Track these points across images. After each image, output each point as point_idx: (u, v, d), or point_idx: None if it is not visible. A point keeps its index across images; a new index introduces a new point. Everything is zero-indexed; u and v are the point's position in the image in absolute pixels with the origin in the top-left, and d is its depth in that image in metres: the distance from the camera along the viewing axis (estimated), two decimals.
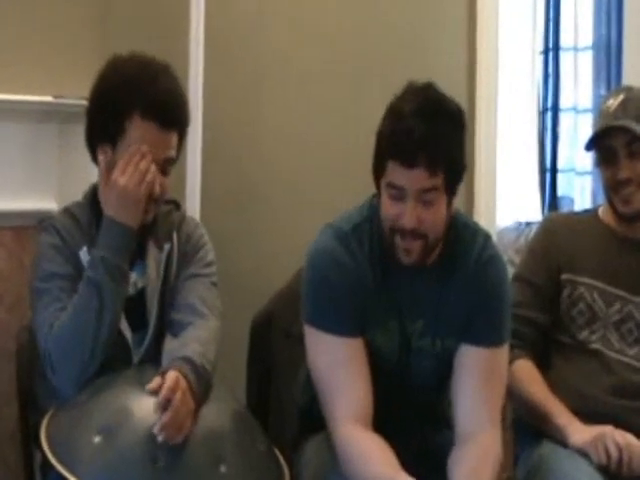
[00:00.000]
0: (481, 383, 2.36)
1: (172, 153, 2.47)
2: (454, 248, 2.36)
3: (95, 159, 2.47)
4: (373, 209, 2.31)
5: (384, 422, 2.32)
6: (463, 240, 2.37)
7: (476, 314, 2.36)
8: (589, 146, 2.78)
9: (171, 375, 2.22)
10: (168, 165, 2.45)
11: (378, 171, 2.22)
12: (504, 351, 2.40)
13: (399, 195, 2.16)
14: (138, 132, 2.43)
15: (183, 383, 2.22)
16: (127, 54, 2.49)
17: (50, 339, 2.35)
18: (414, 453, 2.37)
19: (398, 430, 2.35)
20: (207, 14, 3.23)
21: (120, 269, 2.36)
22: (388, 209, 2.21)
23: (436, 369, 2.38)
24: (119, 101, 2.43)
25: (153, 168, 2.37)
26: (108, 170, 2.40)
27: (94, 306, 2.31)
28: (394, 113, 2.21)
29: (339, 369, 2.31)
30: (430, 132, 2.15)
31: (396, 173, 2.16)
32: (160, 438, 2.21)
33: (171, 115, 2.46)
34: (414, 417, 2.44)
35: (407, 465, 2.28)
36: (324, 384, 2.36)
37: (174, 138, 2.46)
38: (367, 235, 2.33)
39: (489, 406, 2.37)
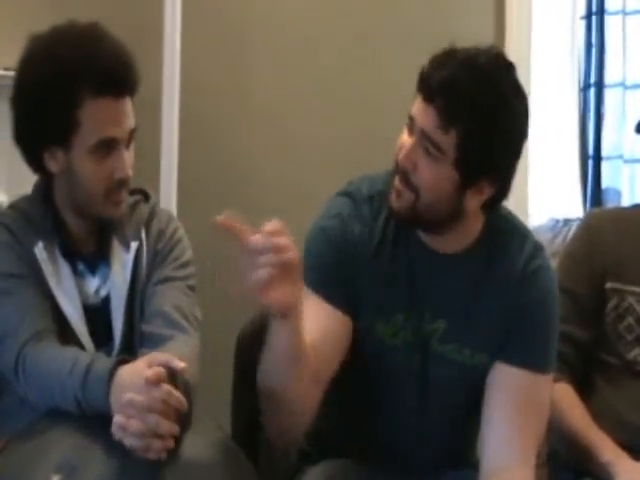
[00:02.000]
0: (516, 411, 2.15)
1: (133, 121, 2.30)
2: (495, 250, 2.21)
3: (40, 169, 2.30)
4: None
5: (388, 455, 2.18)
6: (508, 244, 2.23)
7: (517, 330, 2.18)
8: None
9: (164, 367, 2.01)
10: (132, 137, 2.30)
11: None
12: (548, 380, 2.21)
13: (410, 128, 2.11)
14: (94, 115, 2.23)
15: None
16: (47, 30, 2.30)
17: (25, 362, 2.19)
18: None
19: (406, 467, 2.18)
20: None
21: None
22: (400, 140, 2.16)
23: (462, 387, 2.19)
24: (63, 90, 2.23)
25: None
26: (67, 181, 2.24)
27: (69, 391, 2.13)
28: (445, 50, 2.13)
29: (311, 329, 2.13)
30: (460, 80, 2.06)
31: (416, 104, 2.12)
32: (152, 420, 1.98)
33: (124, 81, 2.28)
34: (428, 450, 2.21)
35: None
36: None
37: (129, 104, 2.29)
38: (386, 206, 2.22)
39: (522, 440, 2.15)
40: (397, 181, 2.10)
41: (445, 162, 2.06)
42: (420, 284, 2.14)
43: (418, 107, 2.10)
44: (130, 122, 2.29)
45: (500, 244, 2.22)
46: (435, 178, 2.08)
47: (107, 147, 2.27)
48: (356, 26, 3.71)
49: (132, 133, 2.29)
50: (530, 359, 2.17)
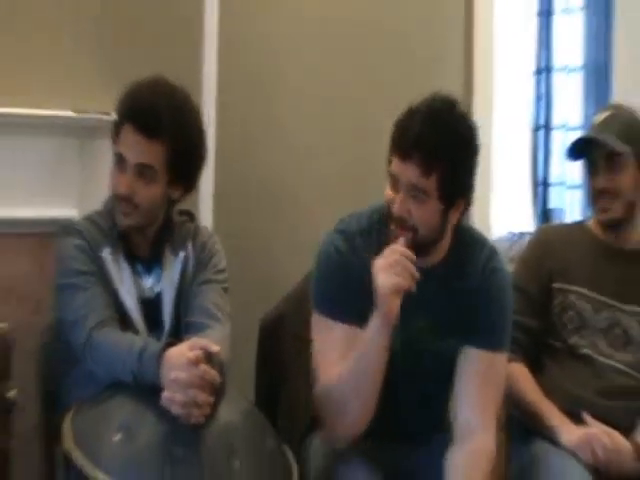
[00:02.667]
0: (478, 386, 2.51)
1: (147, 160, 2.59)
2: (461, 257, 2.54)
3: None
4: (383, 212, 2.50)
5: (391, 424, 2.49)
6: (470, 251, 2.55)
7: (479, 319, 2.51)
8: (569, 154, 2.99)
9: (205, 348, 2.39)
10: (144, 171, 2.58)
11: (388, 162, 2.43)
12: (503, 358, 2.55)
13: (395, 184, 2.37)
14: (121, 137, 2.62)
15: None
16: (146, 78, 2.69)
17: (92, 344, 2.53)
18: (418, 456, 2.55)
19: (403, 433, 2.54)
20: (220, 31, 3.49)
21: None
22: (387, 194, 2.42)
23: (439, 369, 2.53)
24: (118, 111, 2.66)
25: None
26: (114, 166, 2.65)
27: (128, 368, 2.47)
28: (407, 111, 2.41)
29: (332, 345, 2.47)
30: (429, 135, 2.35)
31: (395, 163, 2.37)
32: (192, 393, 2.33)
33: (146, 120, 2.59)
34: (420, 420, 2.58)
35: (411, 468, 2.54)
36: (316, 355, 2.53)
37: (152, 147, 2.59)
38: (375, 237, 2.50)
39: (483, 409, 2.51)
40: (397, 228, 2.40)
41: (432, 199, 2.38)
42: (405, 296, 2.38)
43: (398, 165, 2.40)
44: (141, 157, 2.62)
45: (465, 252, 2.55)
46: (427, 214, 2.39)
47: (119, 163, 2.63)
48: (348, 81, 3.95)
49: (141, 167, 2.60)
50: (489, 342, 2.51)
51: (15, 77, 3.23)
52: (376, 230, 2.55)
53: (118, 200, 2.63)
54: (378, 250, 2.46)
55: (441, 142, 2.38)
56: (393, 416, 2.53)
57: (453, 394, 2.55)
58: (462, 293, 2.54)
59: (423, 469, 2.58)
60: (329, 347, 2.53)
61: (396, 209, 2.39)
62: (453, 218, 2.44)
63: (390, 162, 2.44)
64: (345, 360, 2.47)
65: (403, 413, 2.56)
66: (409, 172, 2.36)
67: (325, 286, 2.59)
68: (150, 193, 2.61)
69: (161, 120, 2.58)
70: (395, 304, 2.37)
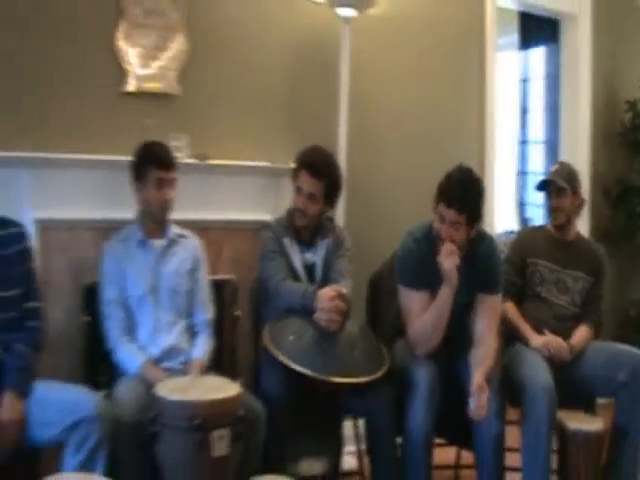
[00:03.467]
0: (487, 314, 3.51)
1: (314, 191, 3.61)
2: (475, 246, 3.48)
3: None
4: (434, 230, 3.43)
5: (444, 339, 3.45)
6: (479, 240, 3.50)
7: (486, 277, 3.49)
8: (538, 188, 3.99)
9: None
10: (312, 197, 3.60)
11: (436, 205, 3.39)
12: (499, 297, 3.57)
13: (442, 219, 3.36)
14: (300, 176, 3.62)
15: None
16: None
17: (279, 289, 3.52)
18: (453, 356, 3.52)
19: (449, 344, 3.51)
20: (350, 109, 4.37)
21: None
22: (437, 226, 3.41)
23: (465, 306, 3.49)
24: (298, 161, 3.68)
25: None
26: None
27: (298, 301, 3.46)
28: (446, 177, 3.38)
29: (414, 305, 3.47)
30: (462, 194, 3.31)
31: (441, 207, 3.36)
32: (331, 315, 3.34)
33: (316, 168, 3.59)
34: (456, 336, 3.52)
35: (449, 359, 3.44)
36: (405, 312, 3.53)
37: (317, 184, 3.60)
38: (430, 239, 3.46)
39: (490, 326, 3.51)
40: (445, 239, 3.31)
41: (463, 226, 3.34)
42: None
43: (444, 210, 3.32)
44: (311, 189, 3.57)
45: (477, 240, 3.45)
46: (460, 234, 3.36)
47: (298, 191, 3.60)
48: (421, 141, 4.91)
49: (310, 195, 3.58)
50: (492, 289, 3.52)
51: (241, 142, 4.24)
52: (430, 236, 3.47)
53: (296, 212, 3.66)
54: (432, 247, 3.41)
55: (468, 197, 3.34)
56: (444, 335, 3.44)
57: (472, 319, 3.52)
58: (477, 265, 3.47)
59: (460, 367, 3.47)
60: (412, 306, 3.47)
61: (444, 235, 3.37)
62: (473, 232, 3.42)
63: (437, 205, 3.40)
64: (425, 311, 3.40)
65: (449, 332, 3.46)
66: (452, 214, 3.33)
67: (404, 268, 3.54)
68: (314, 209, 3.64)
69: (322, 168, 3.62)
70: (456, 276, 3.34)
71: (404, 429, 3.32)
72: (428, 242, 3.47)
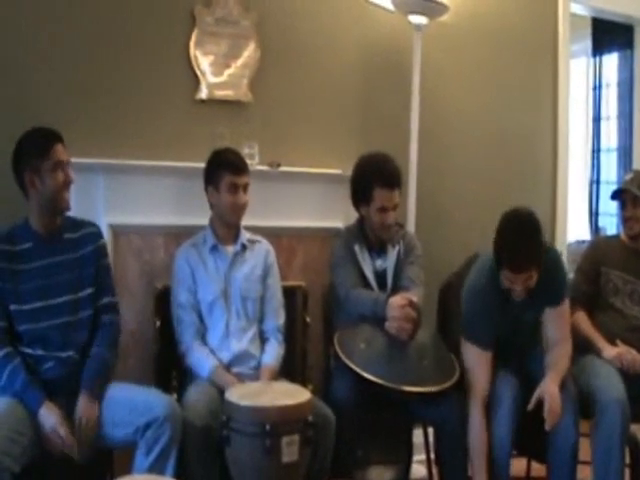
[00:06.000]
0: (558, 320, 3.55)
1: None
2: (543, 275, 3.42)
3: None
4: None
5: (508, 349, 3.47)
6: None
7: (553, 291, 3.50)
8: (612, 197, 3.91)
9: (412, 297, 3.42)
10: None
11: (499, 271, 3.36)
12: (567, 302, 3.56)
13: (512, 282, 3.34)
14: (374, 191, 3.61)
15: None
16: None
17: (349, 297, 3.53)
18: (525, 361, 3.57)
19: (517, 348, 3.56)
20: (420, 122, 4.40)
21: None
22: (508, 286, 3.38)
23: (534, 322, 3.59)
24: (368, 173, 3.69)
25: None
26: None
27: (368, 309, 3.47)
28: (502, 240, 3.31)
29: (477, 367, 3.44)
30: (527, 254, 3.28)
31: (509, 275, 3.34)
32: (402, 324, 3.34)
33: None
34: (524, 342, 3.60)
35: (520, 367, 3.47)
36: (469, 372, 3.48)
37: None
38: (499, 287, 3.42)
39: (563, 330, 3.55)
40: (517, 292, 3.33)
41: (535, 274, 3.30)
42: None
43: (511, 276, 3.28)
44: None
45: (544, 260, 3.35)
46: (535, 279, 3.32)
47: (382, 209, 3.58)
48: (489, 156, 4.90)
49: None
50: (560, 300, 3.52)
51: (313, 149, 4.31)
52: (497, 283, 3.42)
53: (384, 228, 3.66)
54: (500, 293, 3.44)
55: (532, 252, 3.30)
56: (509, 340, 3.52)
57: (543, 328, 3.56)
58: (541, 279, 3.41)
59: (535, 378, 3.46)
60: (475, 367, 3.47)
61: (519, 296, 3.41)
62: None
63: (500, 270, 3.36)
64: (487, 374, 3.45)
65: (521, 349, 3.61)
66: (521, 277, 3.33)
67: (470, 321, 3.53)
68: (394, 216, 3.68)
69: (396, 176, 3.64)
70: None
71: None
72: (494, 284, 3.45)
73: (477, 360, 3.43)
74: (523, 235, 3.21)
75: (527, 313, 3.50)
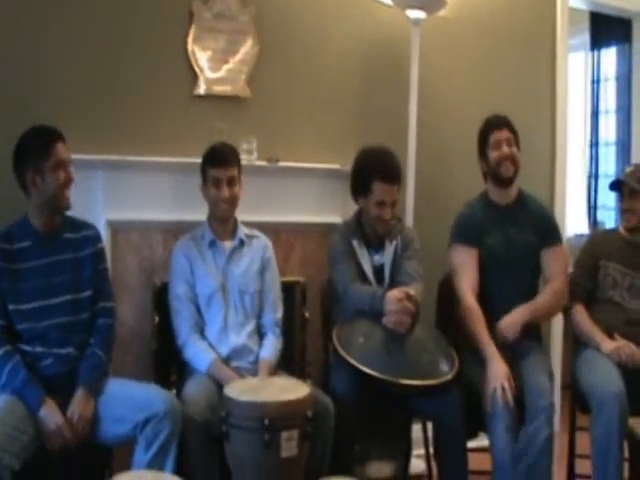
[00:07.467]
0: (554, 258, 3.77)
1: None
2: (524, 200, 3.78)
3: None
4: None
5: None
6: (528, 196, 3.81)
7: (544, 225, 3.81)
8: (611, 187, 3.93)
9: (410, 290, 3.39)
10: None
11: (484, 139, 3.83)
12: (562, 246, 3.76)
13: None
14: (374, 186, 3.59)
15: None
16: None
17: (348, 292, 3.49)
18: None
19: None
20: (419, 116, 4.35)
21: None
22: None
23: (529, 249, 3.74)
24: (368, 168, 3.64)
25: None
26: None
27: (366, 304, 3.44)
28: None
29: (465, 260, 3.65)
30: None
31: (497, 133, 3.82)
32: (400, 317, 3.32)
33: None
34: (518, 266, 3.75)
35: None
36: (456, 269, 3.66)
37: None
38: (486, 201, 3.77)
39: (558, 269, 3.76)
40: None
41: (515, 143, 3.77)
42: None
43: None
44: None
45: (525, 196, 3.80)
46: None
47: (380, 203, 3.57)
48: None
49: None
50: (554, 240, 3.75)
51: (311, 144, 4.32)
52: (485, 199, 3.78)
53: (381, 222, 3.63)
54: (486, 208, 3.76)
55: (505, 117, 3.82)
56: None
57: (542, 265, 3.76)
58: (529, 209, 3.78)
59: (529, 371, 3.51)
60: (464, 260, 3.71)
61: (509, 154, 3.76)
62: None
63: (489, 135, 3.80)
64: (474, 271, 3.70)
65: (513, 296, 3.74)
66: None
67: (460, 226, 3.79)
68: (393, 212, 3.66)
69: (396, 172, 3.62)
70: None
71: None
72: (482, 202, 3.81)
73: (464, 257, 3.68)
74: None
75: (522, 236, 3.73)
